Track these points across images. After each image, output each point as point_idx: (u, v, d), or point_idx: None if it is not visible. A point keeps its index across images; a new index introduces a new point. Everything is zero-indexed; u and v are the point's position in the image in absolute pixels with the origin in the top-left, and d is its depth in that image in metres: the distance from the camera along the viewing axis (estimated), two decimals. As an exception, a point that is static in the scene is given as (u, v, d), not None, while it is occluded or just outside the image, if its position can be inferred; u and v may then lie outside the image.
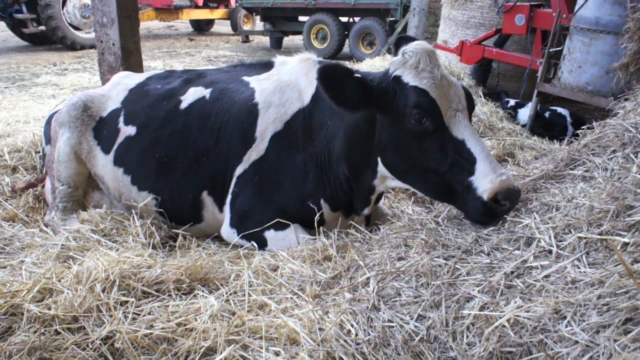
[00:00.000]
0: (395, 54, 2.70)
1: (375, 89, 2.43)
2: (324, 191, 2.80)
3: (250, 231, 2.81)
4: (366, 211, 2.88)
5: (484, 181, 2.17)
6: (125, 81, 3.46)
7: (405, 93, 2.37)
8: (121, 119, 3.22)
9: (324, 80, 2.32)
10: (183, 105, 3.09)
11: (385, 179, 2.67)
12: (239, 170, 2.91)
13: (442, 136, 2.32)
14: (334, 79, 2.35)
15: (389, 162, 2.55)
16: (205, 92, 3.11)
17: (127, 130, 3.17)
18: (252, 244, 2.83)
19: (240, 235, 2.86)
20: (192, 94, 3.12)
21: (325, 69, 2.34)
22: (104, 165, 3.23)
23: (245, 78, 3.13)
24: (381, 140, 2.52)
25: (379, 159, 2.59)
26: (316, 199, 2.79)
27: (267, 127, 2.88)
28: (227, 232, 2.94)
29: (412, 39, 2.66)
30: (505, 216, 2.26)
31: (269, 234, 2.80)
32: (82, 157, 3.26)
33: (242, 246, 2.79)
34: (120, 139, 3.17)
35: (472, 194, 2.21)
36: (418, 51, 2.39)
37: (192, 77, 3.28)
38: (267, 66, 3.19)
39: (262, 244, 2.82)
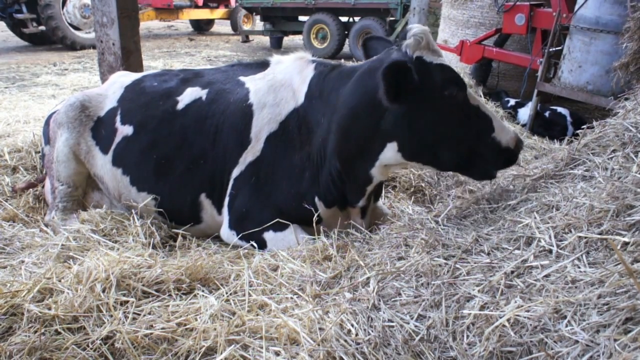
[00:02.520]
0: (365, 55, 2.85)
1: None
2: (317, 189, 2.78)
3: (250, 232, 2.81)
4: (361, 202, 2.82)
5: (504, 133, 2.53)
6: (121, 79, 3.44)
7: (432, 71, 2.43)
8: (118, 118, 3.20)
9: (390, 77, 2.26)
10: (180, 106, 3.08)
11: (385, 168, 2.64)
12: (235, 172, 2.90)
13: (467, 105, 2.52)
14: (400, 76, 2.31)
15: (415, 143, 2.50)
16: (202, 93, 3.10)
17: (124, 130, 3.16)
18: (251, 245, 2.82)
19: (239, 237, 2.85)
20: (188, 95, 3.11)
21: (394, 66, 2.26)
22: (102, 165, 3.22)
23: (241, 78, 3.11)
24: (399, 124, 2.46)
25: (388, 145, 2.53)
26: (310, 197, 2.78)
27: (262, 128, 2.86)
28: (227, 233, 2.94)
29: (381, 39, 2.89)
30: (505, 216, 2.26)
31: (268, 235, 2.80)
32: (81, 157, 3.26)
33: (242, 247, 2.78)
34: (117, 139, 3.16)
35: (499, 146, 2.52)
36: (425, 33, 2.48)
37: (189, 77, 3.27)
38: (263, 65, 3.16)
39: (262, 245, 2.81)
